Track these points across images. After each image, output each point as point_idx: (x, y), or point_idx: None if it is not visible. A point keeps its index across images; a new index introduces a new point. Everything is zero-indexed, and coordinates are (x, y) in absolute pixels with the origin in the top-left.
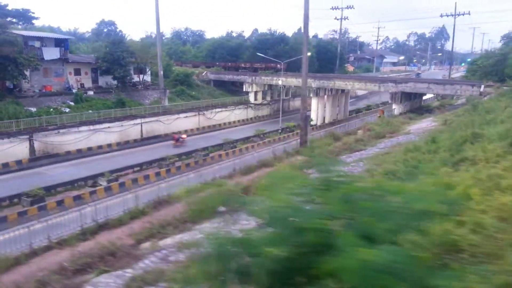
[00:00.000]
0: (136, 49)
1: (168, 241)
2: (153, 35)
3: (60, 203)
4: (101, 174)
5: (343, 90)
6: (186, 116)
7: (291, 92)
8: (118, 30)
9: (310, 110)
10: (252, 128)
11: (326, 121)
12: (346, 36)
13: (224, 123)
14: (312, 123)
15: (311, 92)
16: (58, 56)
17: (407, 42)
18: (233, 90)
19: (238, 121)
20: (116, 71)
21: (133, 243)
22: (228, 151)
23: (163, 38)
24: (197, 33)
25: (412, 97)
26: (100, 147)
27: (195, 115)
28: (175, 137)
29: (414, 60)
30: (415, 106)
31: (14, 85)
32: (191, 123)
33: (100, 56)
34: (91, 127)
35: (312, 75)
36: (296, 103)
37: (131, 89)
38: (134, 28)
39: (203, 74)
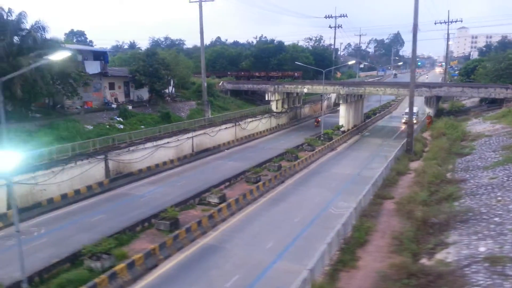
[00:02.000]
0: (170, 61)
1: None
2: (125, 45)
3: (199, 223)
4: (206, 191)
5: (360, 96)
6: (226, 128)
7: (302, 100)
8: (88, 40)
9: (317, 117)
10: (280, 137)
11: (350, 126)
12: (321, 43)
13: (255, 133)
14: (341, 129)
15: (341, 99)
16: (99, 70)
17: (368, 49)
18: (249, 99)
19: (266, 130)
20: (155, 83)
21: None
22: (298, 161)
23: (140, 48)
24: (177, 42)
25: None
26: (164, 163)
27: (233, 126)
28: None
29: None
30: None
31: (54, 103)
32: (230, 135)
33: (136, 69)
34: (154, 143)
35: (340, 82)
36: (306, 110)
37: (163, 102)
38: (104, 38)
39: (220, 84)
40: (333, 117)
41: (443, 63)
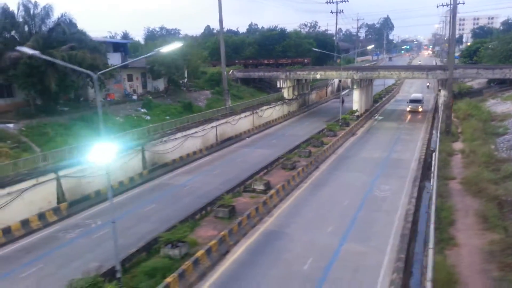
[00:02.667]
0: (186, 52)
1: None
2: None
3: (257, 210)
4: (249, 178)
5: (370, 81)
6: (245, 116)
7: (310, 86)
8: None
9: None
10: (294, 123)
11: (362, 111)
12: (316, 29)
13: (271, 121)
14: (356, 114)
15: (355, 84)
16: (120, 62)
17: (359, 33)
18: (258, 87)
19: (280, 117)
20: (174, 74)
21: None
22: (326, 147)
23: (132, 39)
24: (172, 32)
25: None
26: (194, 153)
27: (251, 114)
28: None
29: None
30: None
31: (77, 96)
32: (248, 123)
33: (155, 60)
34: (184, 133)
35: (354, 67)
36: (313, 96)
37: (180, 91)
38: (95, 29)
39: (230, 72)
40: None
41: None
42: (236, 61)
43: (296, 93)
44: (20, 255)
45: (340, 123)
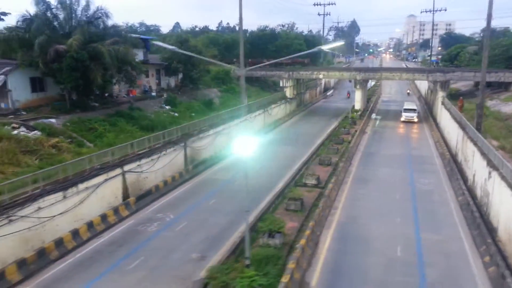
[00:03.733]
0: (201, 49)
1: None
2: None
3: (326, 202)
4: (296, 174)
5: (366, 82)
6: (259, 114)
7: (305, 86)
8: None
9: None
10: (300, 122)
11: (362, 110)
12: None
13: (278, 119)
14: (358, 113)
15: (357, 84)
16: (142, 58)
17: (328, 36)
18: (259, 86)
19: (284, 116)
20: (191, 71)
21: None
22: (351, 144)
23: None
24: (151, 28)
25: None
26: (223, 149)
27: (262, 112)
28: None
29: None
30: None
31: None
32: (261, 120)
33: (171, 57)
34: (214, 130)
35: (356, 68)
36: (307, 96)
37: (191, 89)
38: None
39: (232, 71)
40: (328, 103)
41: (391, 49)
42: (235, 60)
43: (295, 92)
44: (112, 249)
45: (350, 122)
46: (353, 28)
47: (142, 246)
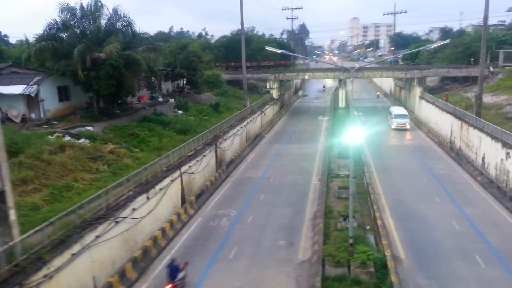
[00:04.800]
0: (200, 54)
1: None
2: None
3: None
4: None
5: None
6: (258, 115)
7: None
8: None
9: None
10: (289, 121)
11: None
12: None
13: (270, 119)
14: (342, 112)
15: (342, 84)
16: None
17: (281, 39)
18: (242, 88)
19: (274, 116)
20: (194, 76)
21: None
22: None
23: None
24: None
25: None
26: (241, 150)
27: (259, 114)
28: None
29: None
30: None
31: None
32: (258, 121)
33: (173, 62)
34: (233, 131)
35: (341, 68)
36: (286, 96)
37: (190, 93)
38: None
39: (220, 75)
40: (304, 102)
41: (337, 52)
42: (217, 64)
43: (279, 94)
44: (201, 243)
45: (340, 119)
46: (303, 31)
47: (227, 239)
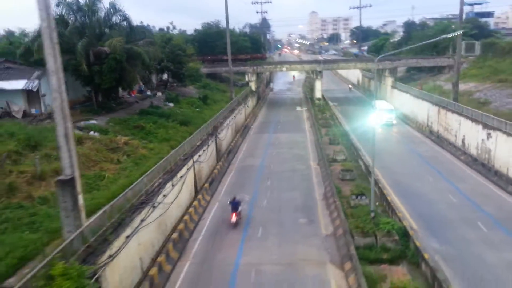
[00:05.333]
0: (184, 47)
1: None
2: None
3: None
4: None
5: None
6: (243, 107)
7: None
8: None
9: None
10: (270, 112)
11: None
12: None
13: (252, 111)
14: (319, 102)
15: (318, 75)
16: None
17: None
18: (220, 81)
19: (254, 107)
20: (180, 69)
21: None
22: (341, 127)
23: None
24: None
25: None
26: (234, 140)
27: (243, 106)
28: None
29: None
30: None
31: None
32: (243, 113)
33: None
34: (227, 122)
35: (317, 60)
36: (260, 89)
37: (177, 86)
38: None
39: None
40: (278, 94)
41: (297, 45)
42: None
43: (256, 86)
44: (225, 225)
45: (321, 108)
46: (264, 24)
47: (250, 220)
